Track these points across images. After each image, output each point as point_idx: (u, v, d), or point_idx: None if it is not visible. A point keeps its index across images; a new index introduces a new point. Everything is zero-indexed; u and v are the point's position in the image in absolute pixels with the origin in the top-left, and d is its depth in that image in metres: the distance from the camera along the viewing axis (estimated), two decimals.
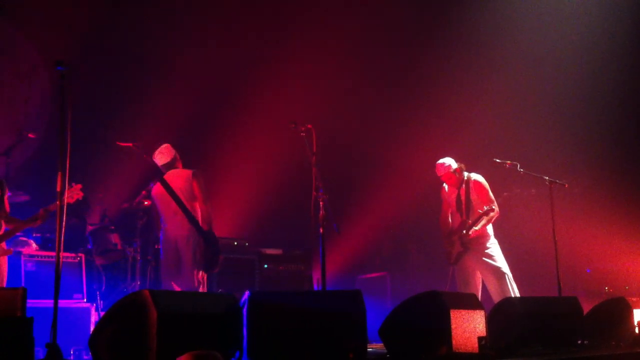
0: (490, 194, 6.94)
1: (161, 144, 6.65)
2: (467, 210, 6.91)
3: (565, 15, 10.04)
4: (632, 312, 5.95)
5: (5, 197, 5.70)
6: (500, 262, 6.76)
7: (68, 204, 4.69)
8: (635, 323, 5.94)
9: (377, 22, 10.23)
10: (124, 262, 7.46)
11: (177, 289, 6.20)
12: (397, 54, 10.53)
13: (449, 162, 7.05)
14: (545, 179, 7.07)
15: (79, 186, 5.67)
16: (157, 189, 6.51)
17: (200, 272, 6.24)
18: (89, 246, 7.40)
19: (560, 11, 10.10)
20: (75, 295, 6.31)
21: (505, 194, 8.22)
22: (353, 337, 4.20)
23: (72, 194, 5.59)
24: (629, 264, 9.08)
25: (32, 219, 5.62)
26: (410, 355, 4.69)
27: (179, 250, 6.23)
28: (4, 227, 5.61)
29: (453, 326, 4.56)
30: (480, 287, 6.90)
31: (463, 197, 6.98)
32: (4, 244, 5.63)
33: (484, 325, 4.87)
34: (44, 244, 7.06)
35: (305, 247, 8.38)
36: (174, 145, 6.70)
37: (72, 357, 5.47)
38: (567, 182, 7.20)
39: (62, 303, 4.83)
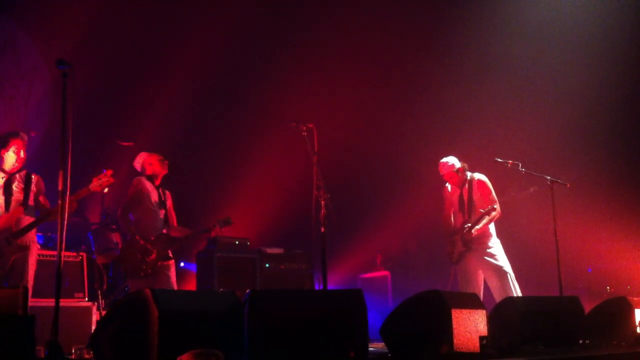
0: (493, 194, 6.94)
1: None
2: (469, 209, 6.91)
3: (566, 15, 10.03)
4: (633, 311, 5.94)
5: (32, 192, 5.79)
6: (503, 261, 6.76)
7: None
8: (637, 323, 5.92)
9: (380, 22, 10.23)
10: None
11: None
12: (399, 52, 10.52)
13: (452, 161, 7.05)
14: (547, 179, 7.07)
15: (110, 172, 5.56)
16: None
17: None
18: (91, 245, 7.40)
19: (561, 11, 10.09)
20: (77, 294, 6.31)
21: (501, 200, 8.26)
22: (354, 336, 4.20)
23: (102, 182, 5.53)
24: (630, 263, 9.06)
25: (49, 213, 5.60)
26: (411, 354, 4.69)
27: None
28: (25, 219, 5.68)
29: (454, 325, 4.56)
30: (482, 286, 6.90)
31: (465, 197, 6.98)
32: (30, 237, 5.70)
33: (485, 324, 4.86)
34: (45, 243, 7.07)
35: (307, 246, 8.37)
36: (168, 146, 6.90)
37: (73, 356, 5.47)
38: (568, 182, 7.19)
39: (64, 302, 4.82)
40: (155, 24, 9.29)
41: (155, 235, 6.34)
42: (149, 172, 6.55)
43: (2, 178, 5.76)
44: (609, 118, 9.78)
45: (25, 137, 5.89)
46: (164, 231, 6.44)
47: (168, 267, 6.37)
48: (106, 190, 5.67)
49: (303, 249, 8.44)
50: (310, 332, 4.06)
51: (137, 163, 6.64)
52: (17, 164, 5.80)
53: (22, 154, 5.80)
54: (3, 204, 5.67)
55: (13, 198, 5.69)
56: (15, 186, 5.75)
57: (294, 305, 4.13)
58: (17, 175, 5.82)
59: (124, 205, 6.43)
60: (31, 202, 5.78)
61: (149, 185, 6.49)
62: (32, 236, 5.75)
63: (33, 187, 5.81)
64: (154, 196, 6.48)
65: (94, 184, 5.52)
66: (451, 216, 7.20)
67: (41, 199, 5.87)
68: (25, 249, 5.64)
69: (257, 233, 9.03)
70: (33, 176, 5.87)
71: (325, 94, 9.85)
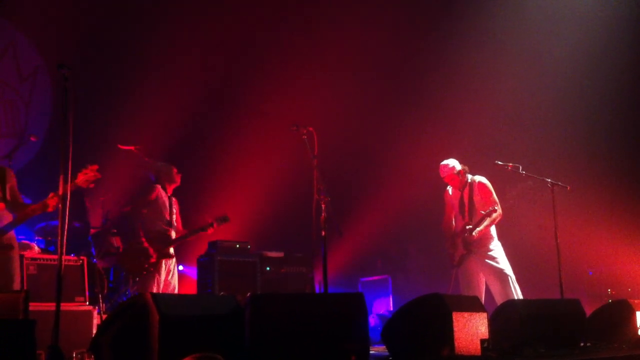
0: (494, 195, 6.94)
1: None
2: (470, 212, 6.91)
3: (566, 17, 10.03)
4: (634, 314, 5.93)
5: (8, 185, 5.41)
6: (503, 264, 6.76)
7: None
8: (638, 325, 5.92)
9: (380, 24, 10.24)
10: None
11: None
12: (400, 55, 10.53)
13: (453, 163, 7.05)
14: (548, 181, 7.07)
15: (95, 167, 5.18)
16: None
17: None
18: (91, 249, 7.40)
19: (561, 13, 10.09)
20: (77, 298, 6.29)
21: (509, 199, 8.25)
22: (355, 339, 4.20)
23: (89, 177, 5.15)
24: (631, 266, 9.05)
25: (42, 205, 5.19)
26: (413, 357, 4.69)
27: None
28: (6, 216, 5.31)
29: (455, 329, 4.56)
30: (484, 289, 6.90)
31: (466, 199, 6.98)
32: (12, 235, 5.34)
33: (487, 327, 4.86)
34: (46, 248, 7.07)
35: (307, 250, 8.36)
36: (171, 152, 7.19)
37: None
38: (569, 185, 7.19)
39: (64, 306, 4.80)
40: (155, 27, 9.30)
41: (155, 236, 6.65)
42: (165, 182, 6.89)
43: None
44: (609, 120, 9.78)
45: None
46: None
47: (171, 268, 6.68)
48: (92, 185, 5.27)
49: (304, 252, 8.43)
50: (311, 335, 4.06)
51: (152, 172, 6.94)
52: None
53: None
54: None
55: None
56: None
57: (295, 309, 4.13)
58: None
59: (139, 204, 6.68)
60: (8, 196, 5.39)
61: (163, 194, 6.83)
62: (14, 235, 5.39)
63: (8, 180, 5.42)
64: (166, 205, 6.81)
65: (80, 180, 5.14)
66: (452, 219, 7.20)
67: (16, 193, 5.49)
68: (9, 248, 5.25)
69: (257, 236, 9.03)
70: (5, 168, 5.52)
71: (325, 97, 9.85)
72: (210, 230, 6.75)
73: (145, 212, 6.70)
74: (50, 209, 5.18)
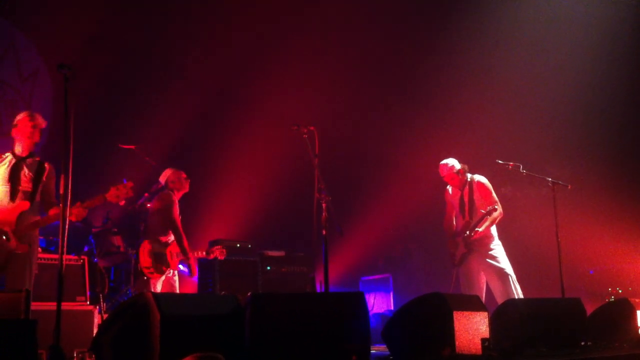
0: (494, 195, 6.94)
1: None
2: (470, 211, 6.92)
3: (566, 17, 10.03)
4: (635, 313, 5.94)
5: (42, 184, 5.25)
6: (504, 263, 6.76)
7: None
8: (639, 324, 5.93)
9: (381, 23, 10.24)
10: (127, 264, 7.46)
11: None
12: (400, 55, 10.53)
13: (452, 162, 7.06)
14: (548, 180, 7.07)
15: (130, 184, 5.03)
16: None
17: None
18: (92, 249, 7.40)
19: (561, 13, 10.09)
20: (78, 298, 6.30)
21: (503, 189, 8.23)
22: (356, 339, 4.20)
23: (120, 193, 5.01)
24: (632, 264, 9.05)
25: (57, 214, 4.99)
26: (414, 357, 4.69)
27: None
28: (30, 215, 5.14)
29: (456, 328, 4.56)
30: (484, 288, 6.90)
31: (466, 199, 6.98)
32: (34, 235, 5.20)
33: (487, 326, 4.86)
34: (46, 247, 7.07)
35: (308, 249, 8.37)
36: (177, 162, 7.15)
37: None
38: (570, 184, 7.19)
39: (65, 305, 4.80)
40: (156, 27, 9.30)
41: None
42: (173, 188, 6.81)
43: (9, 161, 5.19)
44: (610, 119, 9.78)
45: (38, 119, 5.29)
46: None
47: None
48: (122, 202, 5.16)
49: (304, 251, 8.44)
50: (312, 335, 4.06)
51: (162, 177, 6.88)
52: (25, 147, 5.24)
53: (32, 136, 5.22)
54: (8, 193, 5.10)
55: (20, 188, 5.12)
56: (23, 174, 5.16)
57: (296, 308, 4.13)
58: (28, 161, 5.24)
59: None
60: (38, 196, 5.21)
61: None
62: (35, 236, 5.25)
63: (43, 179, 5.24)
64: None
65: (111, 194, 5.00)
66: (453, 218, 7.21)
67: (51, 192, 5.32)
68: (26, 248, 5.08)
69: (258, 236, 9.03)
70: (46, 165, 5.29)
71: (326, 96, 9.86)
72: (211, 256, 7.05)
73: (158, 220, 6.66)
74: (72, 218, 4.86)
